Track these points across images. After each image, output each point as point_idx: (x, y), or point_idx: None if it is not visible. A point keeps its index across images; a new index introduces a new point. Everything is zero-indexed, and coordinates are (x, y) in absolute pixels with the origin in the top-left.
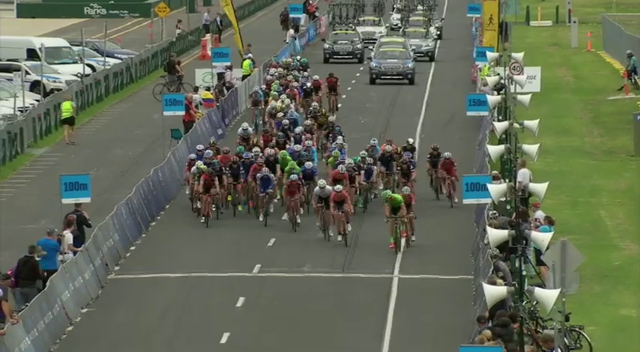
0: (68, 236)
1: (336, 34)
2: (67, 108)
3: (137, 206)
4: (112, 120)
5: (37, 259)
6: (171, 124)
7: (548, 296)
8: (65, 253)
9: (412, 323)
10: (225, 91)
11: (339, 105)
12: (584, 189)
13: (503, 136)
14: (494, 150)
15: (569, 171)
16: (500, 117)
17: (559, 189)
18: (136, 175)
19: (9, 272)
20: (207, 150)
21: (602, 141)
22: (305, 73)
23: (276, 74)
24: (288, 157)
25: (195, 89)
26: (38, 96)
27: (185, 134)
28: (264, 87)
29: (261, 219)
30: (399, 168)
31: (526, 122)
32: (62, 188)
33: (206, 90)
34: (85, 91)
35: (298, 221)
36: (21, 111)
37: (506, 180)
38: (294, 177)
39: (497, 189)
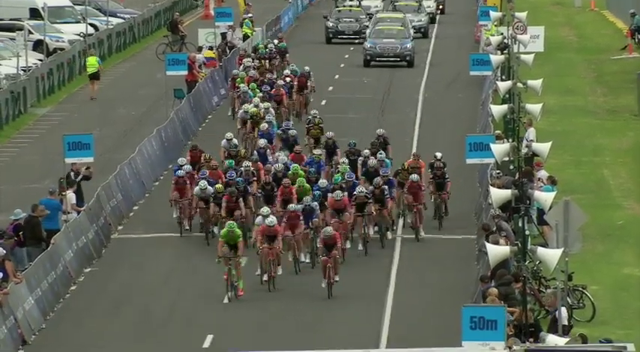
0: (70, 196)
1: (340, 10)
2: (92, 63)
3: (140, 166)
4: (115, 80)
5: (39, 218)
6: (175, 84)
7: (551, 255)
8: (68, 213)
9: (415, 282)
10: (228, 51)
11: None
12: (588, 149)
13: (507, 96)
14: (498, 109)
15: (572, 130)
16: (503, 77)
17: (562, 149)
18: (140, 135)
19: (8, 230)
20: (203, 170)
21: (606, 100)
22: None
23: (251, 65)
24: (301, 172)
25: (199, 49)
26: (41, 56)
27: (188, 94)
28: (244, 86)
29: (308, 260)
30: (371, 193)
31: (529, 81)
32: (65, 147)
33: (209, 49)
34: (88, 51)
35: (303, 260)
36: (24, 71)
37: (510, 140)
38: (292, 207)
39: (500, 148)
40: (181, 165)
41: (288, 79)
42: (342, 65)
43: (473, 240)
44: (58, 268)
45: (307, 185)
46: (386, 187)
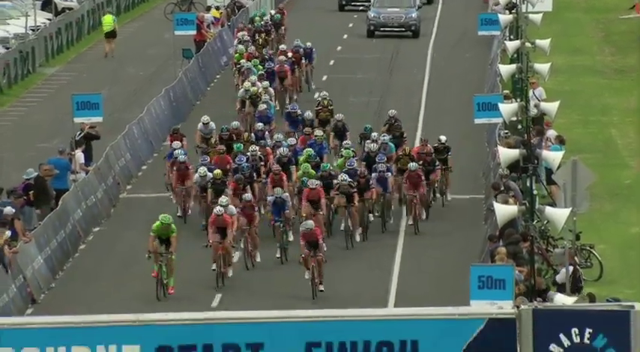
0: (79, 155)
1: None
2: (108, 21)
3: (149, 125)
4: (124, 40)
5: (47, 178)
6: (183, 44)
7: (558, 215)
8: (77, 172)
9: (423, 240)
10: (237, 10)
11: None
12: (596, 108)
13: (515, 55)
14: (506, 69)
15: (580, 90)
16: (511, 37)
17: (570, 108)
18: (148, 94)
19: (18, 189)
20: (204, 156)
21: (614, 59)
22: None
23: (248, 39)
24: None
25: (208, 9)
26: (50, 16)
27: (196, 53)
28: (246, 62)
29: (277, 255)
30: (356, 182)
31: (538, 41)
32: (74, 107)
33: (215, 9)
34: (96, 10)
35: (258, 260)
36: (33, 31)
37: (519, 100)
38: (248, 196)
39: (508, 108)
40: (175, 149)
41: (290, 54)
42: (350, 24)
43: (481, 200)
44: (67, 227)
45: (312, 171)
46: (387, 173)
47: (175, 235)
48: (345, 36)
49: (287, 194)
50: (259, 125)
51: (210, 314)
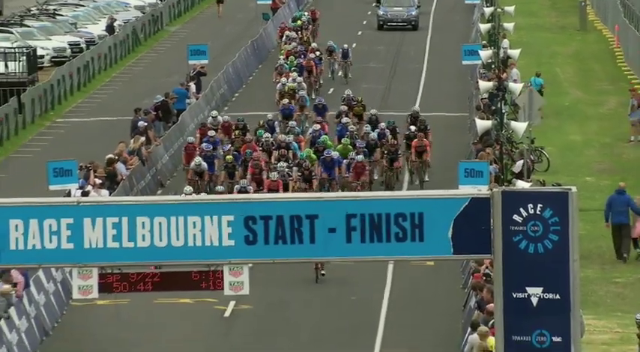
0: (192, 86)
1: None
2: None
3: (239, 66)
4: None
5: (170, 102)
6: (263, 9)
7: (520, 127)
8: (191, 98)
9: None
10: None
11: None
12: (545, 54)
13: (490, 17)
14: (484, 27)
15: (534, 41)
16: (488, 4)
17: (528, 54)
18: (238, 45)
19: (150, 109)
20: (226, 145)
21: (557, 20)
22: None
23: (296, 37)
24: (330, 142)
25: None
26: None
27: (272, 16)
28: (282, 58)
29: None
30: (299, 173)
31: (506, 7)
32: (189, 53)
33: None
34: None
35: None
36: (161, 0)
37: (492, 48)
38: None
39: (485, 53)
40: (211, 136)
41: (318, 53)
42: (364, 22)
43: (466, 117)
44: (185, 135)
45: (314, 155)
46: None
47: None
48: (360, 32)
49: (250, 187)
50: (269, 115)
51: (280, 195)
